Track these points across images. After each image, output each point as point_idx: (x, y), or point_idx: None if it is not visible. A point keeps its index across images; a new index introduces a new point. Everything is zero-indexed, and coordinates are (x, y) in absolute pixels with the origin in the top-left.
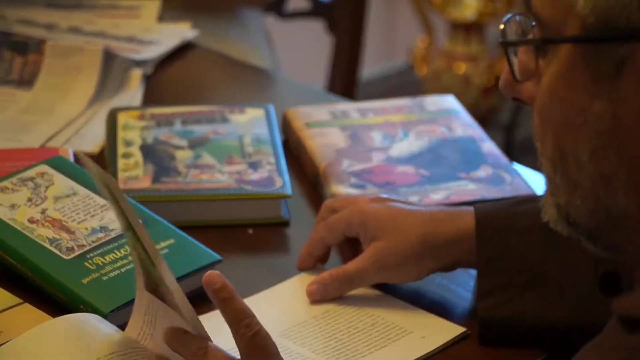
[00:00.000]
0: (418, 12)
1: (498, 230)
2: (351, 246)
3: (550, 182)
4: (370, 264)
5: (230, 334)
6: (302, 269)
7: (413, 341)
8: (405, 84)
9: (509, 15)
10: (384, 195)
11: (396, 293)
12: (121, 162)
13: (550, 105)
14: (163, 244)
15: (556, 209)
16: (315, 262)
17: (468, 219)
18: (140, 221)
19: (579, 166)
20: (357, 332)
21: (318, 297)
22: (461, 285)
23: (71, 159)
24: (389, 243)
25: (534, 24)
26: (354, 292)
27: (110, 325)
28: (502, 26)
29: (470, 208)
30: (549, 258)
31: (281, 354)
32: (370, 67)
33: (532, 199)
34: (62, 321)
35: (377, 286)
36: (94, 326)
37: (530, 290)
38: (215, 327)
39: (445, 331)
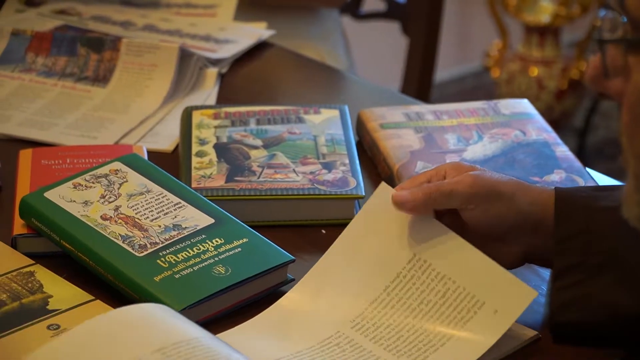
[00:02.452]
0: (493, 15)
1: (577, 209)
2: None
3: (636, 179)
4: (465, 177)
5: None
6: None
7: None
8: (479, 86)
9: (603, 12)
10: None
11: None
12: (195, 161)
13: None
14: (236, 243)
15: None
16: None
17: (549, 193)
18: None
19: None
20: (428, 312)
21: (402, 201)
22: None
23: (145, 156)
24: (486, 173)
25: (624, 20)
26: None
27: (180, 317)
28: (598, 22)
29: (551, 187)
30: (627, 242)
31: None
32: (444, 69)
33: (613, 187)
34: (132, 309)
35: None
36: (163, 316)
37: (604, 271)
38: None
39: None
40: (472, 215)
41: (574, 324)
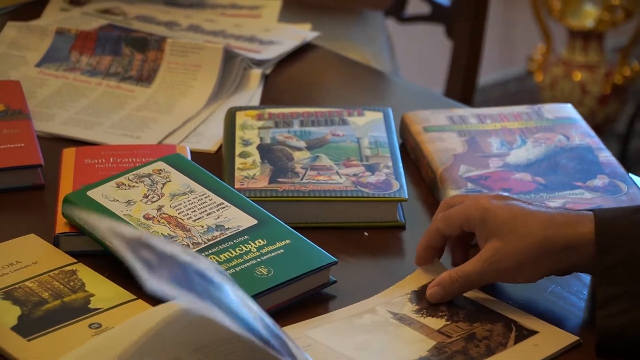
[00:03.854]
0: (537, 19)
1: (619, 238)
2: (462, 242)
3: None
4: (488, 265)
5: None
6: (420, 262)
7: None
8: (522, 90)
9: None
10: (505, 194)
11: (508, 300)
12: (238, 161)
13: None
14: (278, 244)
15: None
16: (434, 255)
17: (588, 224)
18: None
19: None
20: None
21: (438, 298)
22: (574, 294)
23: (188, 156)
24: (507, 244)
25: None
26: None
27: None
28: None
29: (590, 213)
30: None
31: None
32: (487, 72)
33: None
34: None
35: (489, 289)
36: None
37: None
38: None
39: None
40: (510, 282)
41: (621, 351)
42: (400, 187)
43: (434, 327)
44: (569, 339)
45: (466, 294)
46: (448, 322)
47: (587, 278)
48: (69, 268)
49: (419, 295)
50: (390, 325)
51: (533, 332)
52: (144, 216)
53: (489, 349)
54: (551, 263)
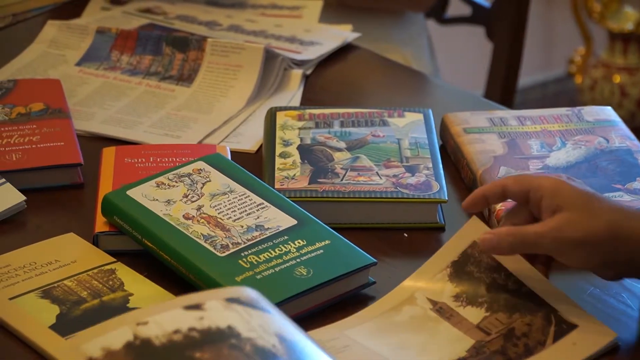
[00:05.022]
0: (577, 22)
1: None
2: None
3: None
4: (549, 230)
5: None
6: (468, 206)
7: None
8: (561, 92)
9: None
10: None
11: None
12: (278, 162)
13: None
14: (318, 245)
15: None
16: (484, 207)
17: None
18: None
19: None
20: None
21: (489, 247)
22: (613, 296)
23: (228, 156)
24: (576, 217)
25: None
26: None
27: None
28: None
29: None
30: None
31: None
32: (527, 74)
33: None
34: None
35: None
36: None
37: None
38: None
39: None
40: (561, 259)
41: None
42: (440, 188)
43: (473, 321)
44: (607, 335)
45: (510, 268)
46: (487, 314)
47: (627, 282)
48: (107, 267)
49: (459, 270)
50: (429, 320)
51: (572, 327)
52: (183, 216)
53: (527, 348)
54: (611, 251)
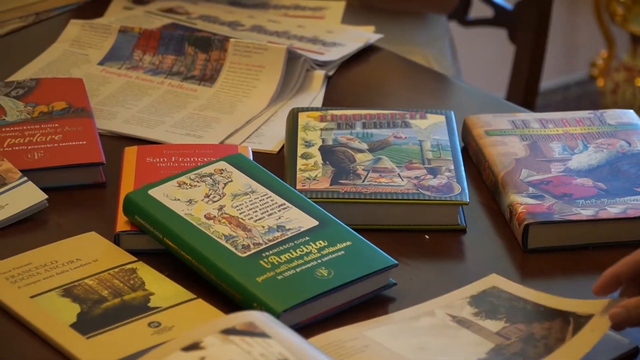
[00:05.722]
0: (600, 25)
1: None
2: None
3: None
4: None
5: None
6: (599, 290)
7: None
8: (583, 95)
9: None
10: None
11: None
12: (300, 162)
13: None
14: (339, 246)
15: None
16: (617, 287)
17: None
18: None
19: None
20: None
21: (619, 320)
22: None
23: (250, 156)
24: None
25: None
26: None
27: (282, 326)
28: None
29: None
30: None
31: None
32: (549, 77)
33: None
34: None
35: None
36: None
37: None
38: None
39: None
40: None
41: None
42: (462, 190)
43: (492, 329)
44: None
45: (524, 296)
46: (507, 324)
47: None
48: (129, 266)
49: (479, 300)
50: (449, 327)
51: (589, 317)
52: (205, 216)
53: (547, 347)
54: None
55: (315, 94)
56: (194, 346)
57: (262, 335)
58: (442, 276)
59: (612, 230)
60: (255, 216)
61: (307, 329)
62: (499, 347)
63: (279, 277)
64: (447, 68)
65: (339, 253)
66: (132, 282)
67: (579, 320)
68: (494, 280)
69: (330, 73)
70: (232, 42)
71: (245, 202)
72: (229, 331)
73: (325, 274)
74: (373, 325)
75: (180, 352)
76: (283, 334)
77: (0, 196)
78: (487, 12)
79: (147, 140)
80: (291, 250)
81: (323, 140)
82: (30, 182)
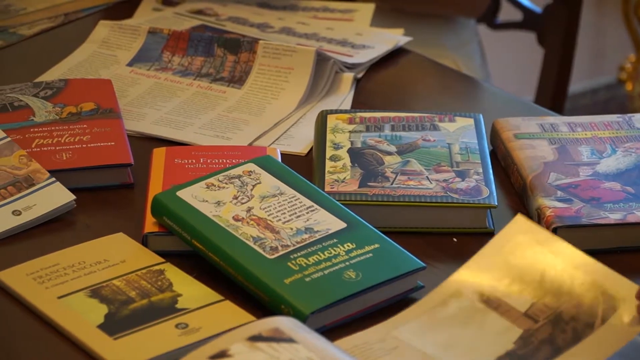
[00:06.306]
0: (628, 29)
1: None
2: None
3: None
4: None
5: None
6: None
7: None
8: (611, 99)
9: None
10: None
11: None
12: (329, 165)
13: None
14: (367, 248)
15: None
16: None
17: None
18: None
19: None
20: None
21: None
22: None
23: (279, 158)
24: None
25: None
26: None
27: (307, 330)
28: None
29: None
30: None
31: None
32: (578, 81)
33: None
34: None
35: None
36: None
37: None
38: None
39: None
40: None
41: None
42: (490, 193)
43: (520, 309)
44: None
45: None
46: (535, 300)
47: None
48: (156, 267)
49: (507, 261)
50: (477, 312)
51: (620, 302)
52: (233, 217)
53: (576, 334)
54: None
55: (344, 96)
56: (221, 354)
57: (289, 340)
58: None
59: None
60: (284, 218)
61: (333, 332)
62: (528, 332)
63: (307, 279)
64: (476, 71)
65: (367, 255)
66: (159, 283)
67: (610, 304)
68: (521, 228)
69: (359, 75)
70: (261, 44)
71: (274, 204)
72: (255, 338)
73: (353, 277)
74: (400, 322)
75: None
76: (309, 338)
77: (29, 197)
78: (516, 15)
79: (175, 141)
80: (319, 252)
81: (352, 143)
82: (58, 183)
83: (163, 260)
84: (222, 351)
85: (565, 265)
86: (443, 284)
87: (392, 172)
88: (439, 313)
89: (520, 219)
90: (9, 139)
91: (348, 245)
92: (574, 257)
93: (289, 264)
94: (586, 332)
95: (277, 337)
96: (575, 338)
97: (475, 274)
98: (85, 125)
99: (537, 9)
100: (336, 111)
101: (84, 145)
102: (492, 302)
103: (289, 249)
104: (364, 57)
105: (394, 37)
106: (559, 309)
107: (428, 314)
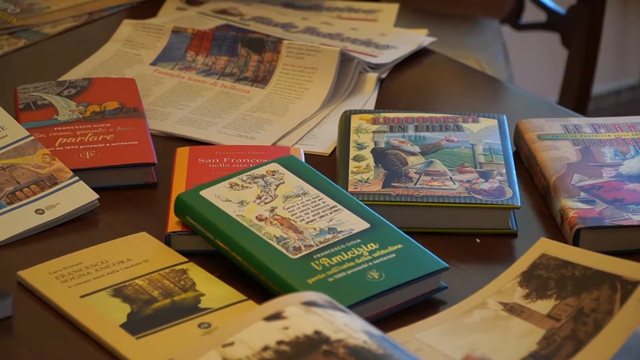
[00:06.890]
0: None
1: None
2: None
3: None
4: None
5: None
6: None
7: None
8: (634, 100)
9: None
10: None
11: None
12: (352, 165)
13: None
14: (390, 249)
15: None
16: None
17: None
18: None
19: None
20: None
21: None
22: None
23: (302, 158)
24: None
25: None
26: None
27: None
28: None
29: None
30: None
31: None
32: (601, 82)
33: None
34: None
35: None
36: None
37: None
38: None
39: None
40: None
41: None
42: (514, 194)
43: (543, 312)
44: None
45: (572, 259)
46: (557, 302)
47: None
48: (179, 267)
49: (528, 276)
50: (500, 319)
51: (636, 283)
52: (256, 217)
53: (597, 324)
54: None
55: (367, 97)
56: (276, 316)
57: (342, 310)
58: (493, 280)
59: None
60: (307, 218)
61: None
62: (550, 332)
63: (330, 280)
64: (500, 72)
65: (390, 256)
66: (182, 282)
67: (627, 288)
68: (544, 246)
69: (383, 76)
70: (285, 44)
71: (297, 204)
72: (310, 303)
73: (376, 277)
74: (424, 327)
75: (262, 322)
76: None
77: (52, 195)
78: (540, 16)
79: (199, 141)
80: (342, 253)
81: (375, 143)
82: (81, 182)
83: (186, 259)
84: (277, 313)
85: (584, 267)
86: (467, 299)
87: (415, 173)
88: (462, 320)
89: (544, 242)
90: (32, 137)
91: (371, 246)
92: (592, 258)
93: (312, 264)
94: (606, 320)
95: (331, 306)
96: (596, 328)
97: (499, 289)
98: (108, 124)
99: (561, 10)
100: (360, 111)
101: (107, 145)
102: (515, 310)
103: (312, 249)
104: (388, 57)
105: (418, 38)
106: (580, 305)
107: (451, 321)
